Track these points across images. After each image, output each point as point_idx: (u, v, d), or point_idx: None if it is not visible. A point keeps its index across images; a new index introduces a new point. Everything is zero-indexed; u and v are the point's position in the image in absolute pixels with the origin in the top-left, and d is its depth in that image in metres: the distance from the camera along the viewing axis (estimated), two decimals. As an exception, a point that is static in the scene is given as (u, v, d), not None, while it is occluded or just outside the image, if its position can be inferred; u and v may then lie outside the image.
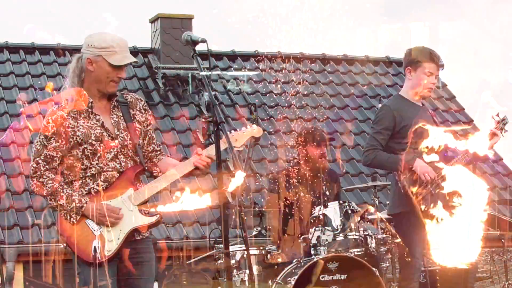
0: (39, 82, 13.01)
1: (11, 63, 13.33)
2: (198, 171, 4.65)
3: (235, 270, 6.80)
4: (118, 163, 4.59)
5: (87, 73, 4.61)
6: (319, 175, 7.27)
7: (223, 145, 4.31)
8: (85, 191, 4.54)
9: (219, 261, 7.03)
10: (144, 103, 4.80)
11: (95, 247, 4.40)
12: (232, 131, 4.76)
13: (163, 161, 4.78)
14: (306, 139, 7.42)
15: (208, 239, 7.71)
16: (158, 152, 4.80)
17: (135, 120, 4.70)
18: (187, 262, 9.78)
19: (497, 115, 6.32)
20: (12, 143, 11.72)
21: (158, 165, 4.76)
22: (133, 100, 4.75)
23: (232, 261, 6.80)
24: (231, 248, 6.80)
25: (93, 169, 4.55)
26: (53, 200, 4.52)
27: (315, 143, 7.39)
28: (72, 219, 4.50)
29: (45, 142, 4.54)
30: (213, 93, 4.30)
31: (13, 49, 13.65)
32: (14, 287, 10.39)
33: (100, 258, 4.42)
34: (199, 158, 4.62)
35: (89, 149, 4.54)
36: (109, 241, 4.49)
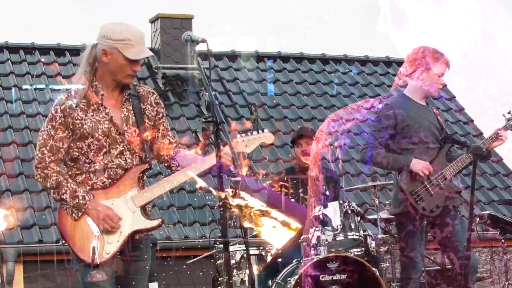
0: (39, 82, 13.02)
1: (11, 63, 13.34)
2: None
3: (235, 270, 6.80)
4: (123, 160, 4.49)
5: (101, 63, 4.47)
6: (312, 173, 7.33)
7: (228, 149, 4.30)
8: (89, 186, 4.45)
9: (219, 261, 7.03)
10: (156, 96, 4.68)
11: (93, 247, 4.34)
12: (243, 135, 4.64)
13: (181, 155, 4.63)
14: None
15: (208, 239, 7.71)
16: (174, 145, 4.67)
17: (145, 115, 4.59)
18: (187, 262, 9.78)
19: (509, 112, 6.29)
20: (12, 143, 11.73)
21: (177, 158, 4.61)
22: (145, 93, 4.64)
23: (232, 261, 6.80)
24: (231, 248, 6.80)
25: (98, 164, 4.45)
26: (56, 193, 4.42)
27: (296, 142, 7.64)
28: (74, 215, 4.41)
29: (51, 132, 4.43)
30: (213, 93, 4.28)
31: (13, 49, 13.66)
32: (14, 287, 10.39)
33: (97, 260, 4.34)
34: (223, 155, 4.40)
35: (95, 144, 4.44)
36: (108, 243, 4.39)
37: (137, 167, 4.53)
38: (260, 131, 4.71)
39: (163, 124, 4.68)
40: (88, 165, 4.46)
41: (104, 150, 4.46)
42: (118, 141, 4.49)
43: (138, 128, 4.54)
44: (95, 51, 4.49)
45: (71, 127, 4.44)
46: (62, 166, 4.54)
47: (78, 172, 4.48)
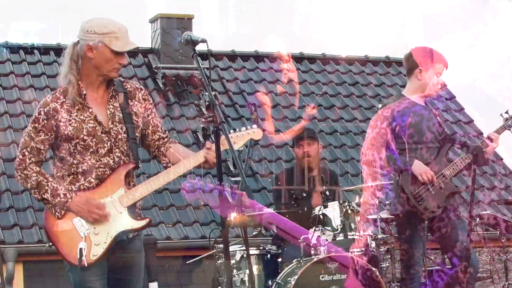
0: (39, 82, 13.02)
1: (11, 63, 13.32)
2: (207, 164, 4.50)
3: (235, 270, 6.80)
4: (111, 159, 4.45)
5: (85, 60, 4.43)
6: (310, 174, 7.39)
7: (223, 146, 4.29)
8: (75, 187, 4.41)
9: (219, 261, 7.03)
10: (144, 92, 4.62)
11: (81, 249, 4.30)
12: (231, 131, 4.61)
13: (172, 150, 4.61)
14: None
15: (208, 239, 7.71)
16: (165, 140, 4.64)
17: (133, 112, 4.54)
18: (187, 262, 9.77)
19: (506, 112, 6.29)
20: (12, 143, 11.72)
21: (167, 155, 4.60)
22: (133, 90, 4.59)
23: (232, 261, 6.81)
24: (231, 248, 6.80)
25: (85, 164, 4.41)
26: (37, 193, 4.39)
27: (297, 143, 7.69)
28: (57, 214, 4.37)
29: (32, 134, 4.41)
30: (213, 93, 4.27)
31: (13, 49, 13.64)
32: (14, 287, 10.39)
33: (85, 263, 4.31)
34: (209, 152, 4.47)
35: (81, 144, 4.41)
36: (95, 245, 4.36)
37: (124, 167, 4.48)
38: (248, 127, 4.65)
39: (152, 120, 4.63)
40: (76, 166, 4.43)
41: (91, 149, 4.43)
42: (105, 139, 4.45)
43: (124, 125, 4.50)
44: (77, 49, 4.46)
45: (55, 129, 4.41)
46: (50, 167, 4.52)
47: (66, 173, 4.45)
